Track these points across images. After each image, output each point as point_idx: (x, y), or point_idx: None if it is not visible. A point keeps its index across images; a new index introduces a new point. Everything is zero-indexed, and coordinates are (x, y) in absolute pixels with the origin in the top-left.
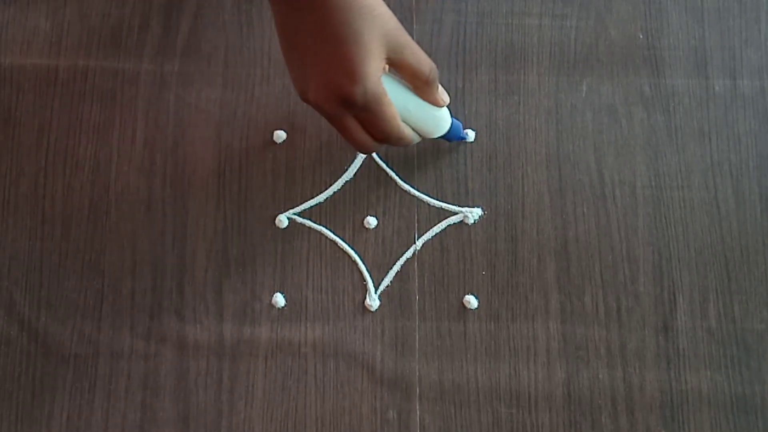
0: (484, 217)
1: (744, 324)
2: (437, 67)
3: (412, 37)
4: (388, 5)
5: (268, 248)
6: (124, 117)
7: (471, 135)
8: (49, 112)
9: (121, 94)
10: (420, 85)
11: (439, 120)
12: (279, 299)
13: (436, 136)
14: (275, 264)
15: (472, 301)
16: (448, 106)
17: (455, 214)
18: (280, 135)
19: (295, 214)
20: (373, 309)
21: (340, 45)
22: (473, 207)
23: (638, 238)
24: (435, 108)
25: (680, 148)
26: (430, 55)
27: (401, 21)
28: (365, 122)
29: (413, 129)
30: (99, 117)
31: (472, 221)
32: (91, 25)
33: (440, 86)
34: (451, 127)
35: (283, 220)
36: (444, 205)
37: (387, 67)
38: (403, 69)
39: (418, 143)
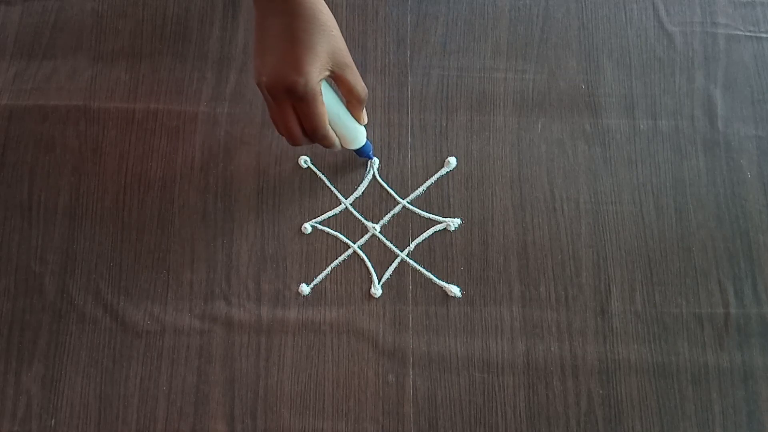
0: (462, 225)
1: (663, 308)
2: (427, 108)
3: (407, 88)
4: (388, 61)
5: (296, 249)
6: (186, 148)
7: (452, 162)
8: (128, 144)
9: (183, 129)
10: (352, 101)
11: (358, 134)
12: (304, 288)
13: (352, 148)
14: (301, 261)
15: (453, 289)
16: (365, 127)
17: (440, 223)
18: (305, 161)
19: (317, 222)
20: (376, 296)
21: (296, 46)
22: (454, 218)
23: (581, 242)
24: (357, 124)
25: (613, 172)
26: (420, 100)
27: (398, 75)
28: (299, 113)
29: (337, 135)
30: (166, 148)
31: (453, 229)
32: (160, 77)
33: (365, 109)
34: (365, 145)
35: (307, 228)
36: (431, 216)
37: (330, 80)
38: (342, 84)
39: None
